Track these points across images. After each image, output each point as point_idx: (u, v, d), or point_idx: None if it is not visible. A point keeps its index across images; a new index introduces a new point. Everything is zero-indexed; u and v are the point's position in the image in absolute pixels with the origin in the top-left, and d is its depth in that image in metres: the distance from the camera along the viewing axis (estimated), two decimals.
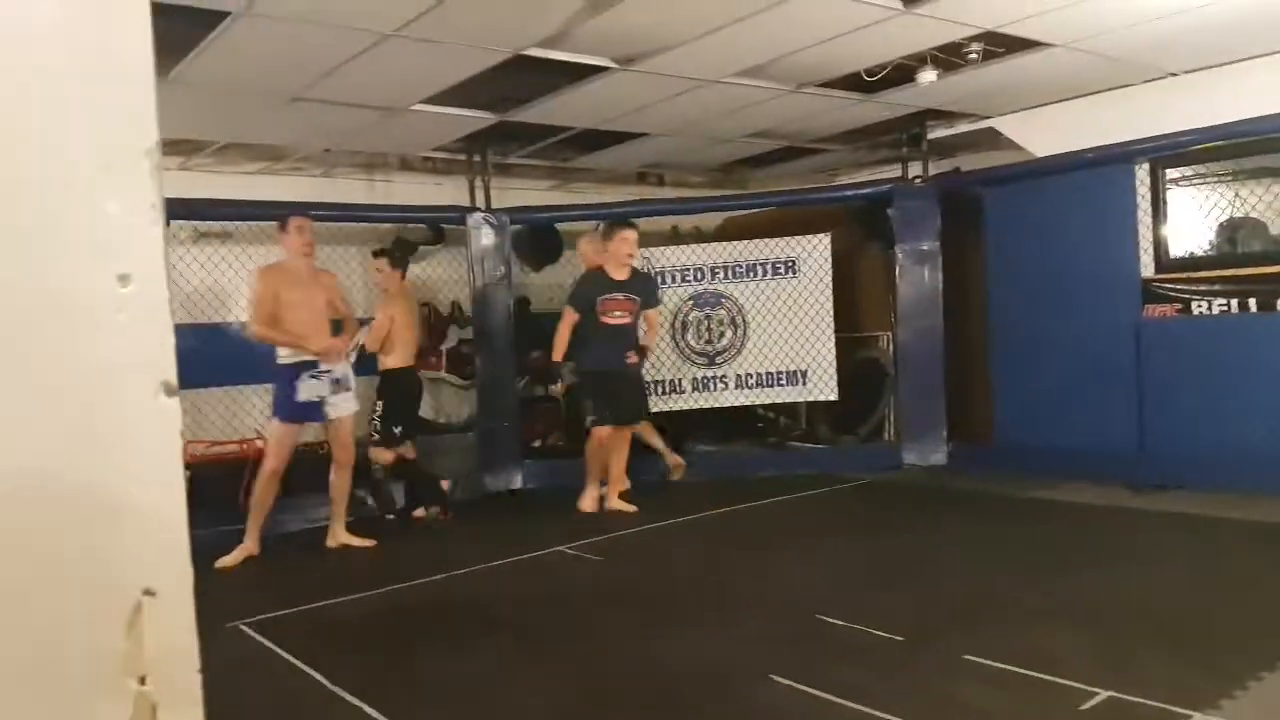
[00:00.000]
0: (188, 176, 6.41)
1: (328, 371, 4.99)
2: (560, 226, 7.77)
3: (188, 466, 5.17)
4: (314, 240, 5.22)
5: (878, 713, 2.67)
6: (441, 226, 7.38)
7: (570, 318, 5.76)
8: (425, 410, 7.63)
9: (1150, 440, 5.88)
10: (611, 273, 5.77)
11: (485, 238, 6.95)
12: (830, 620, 3.52)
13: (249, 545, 5.05)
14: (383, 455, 5.96)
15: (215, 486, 5.84)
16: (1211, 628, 3.27)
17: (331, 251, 7.11)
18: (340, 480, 5.25)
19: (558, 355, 5.79)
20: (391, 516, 6.08)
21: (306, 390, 4.94)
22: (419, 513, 6.07)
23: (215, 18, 4.07)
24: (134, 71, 0.90)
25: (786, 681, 2.93)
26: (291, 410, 4.97)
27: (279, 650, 3.55)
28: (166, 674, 0.92)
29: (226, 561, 4.92)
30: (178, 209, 6.08)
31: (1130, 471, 5.84)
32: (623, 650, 3.42)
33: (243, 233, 6.66)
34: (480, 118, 6.07)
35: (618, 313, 5.77)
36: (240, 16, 4.04)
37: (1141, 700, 2.64)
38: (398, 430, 5.94)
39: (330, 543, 5.31)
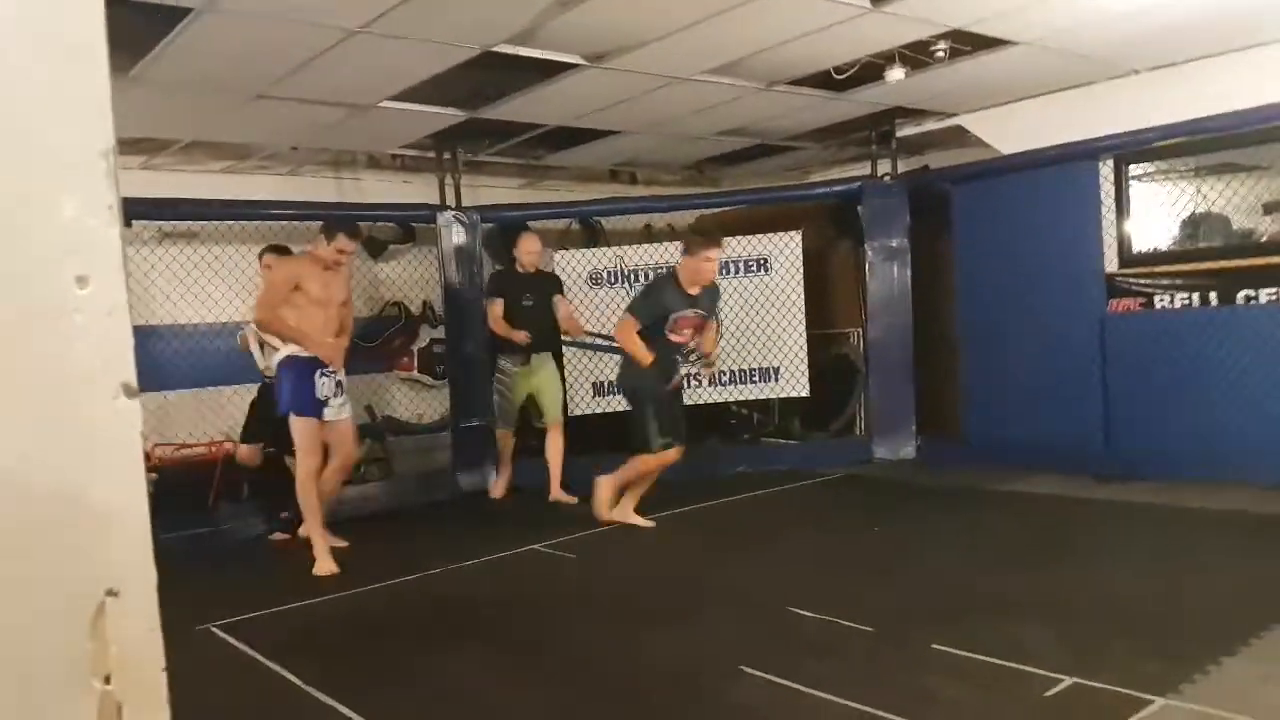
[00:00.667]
0: (151, 175, 6.33)
1: (334, 372, 4.85)
2: (532, 225, 7.77)
3: (155, 469, 5.14)
4: (349, 257, 5.05)
5: (847, 702, 2.71)
6: (411, 225, 7.33)
7: (636, 328, 5.12)
8: (401, 411, 7.61)
9: (1115, 432, 5.98)
10: (687, 287, 5.14)
11: (456, 236, 6.92)
12: (802, 613, 3.56)
13: (320, 549, 4.76)
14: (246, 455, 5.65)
15: (184, 489, 5.79)
16: (1174, 615, 3.34)
17: (299, 251, 7.06)
18: (331, 481, 5.00)
19: (647, 360, 5.08)
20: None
21: (320, 387, 4.78)
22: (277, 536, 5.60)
23: (178, 14, 4.01)
24: (90, 71, 0.89)
25: (759, 674, 2.96)
26: (312, 405, 4.75)
27: (250, 651, 3.52)
28: (131, 674, 0.92)
29: (321, 571, 4.67)
30: (141, 209, 6.02)
31: (1096, 463, 5.94)
32: (596, 647, 3.44)
33: (209, 232, 6.58)
34: (449, 115, 6.04)
35: (686, 330, 5.21)
36: (203, 13, 3.99)
37: (1104, 686, 2.70)
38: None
39: (304, 533, 5.06)
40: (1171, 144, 5.90)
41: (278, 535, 5.54)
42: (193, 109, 5.46)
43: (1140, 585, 3.75)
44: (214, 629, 3.81)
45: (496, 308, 6.14)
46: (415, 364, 7.67)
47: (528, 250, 6.21)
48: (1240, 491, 5.15)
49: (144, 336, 6.03)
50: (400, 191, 7.37)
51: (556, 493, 6.17)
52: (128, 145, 6.21)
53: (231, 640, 3.68)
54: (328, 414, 4.83)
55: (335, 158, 7.21)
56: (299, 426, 4.74)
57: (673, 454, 5.23)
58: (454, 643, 3.58)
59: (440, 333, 7.39)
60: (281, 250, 5.61)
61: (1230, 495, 5.11)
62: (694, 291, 5.16)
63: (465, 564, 4.75)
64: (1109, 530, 4.82)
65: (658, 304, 5.14)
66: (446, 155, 6.99)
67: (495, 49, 4.72)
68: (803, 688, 2.84)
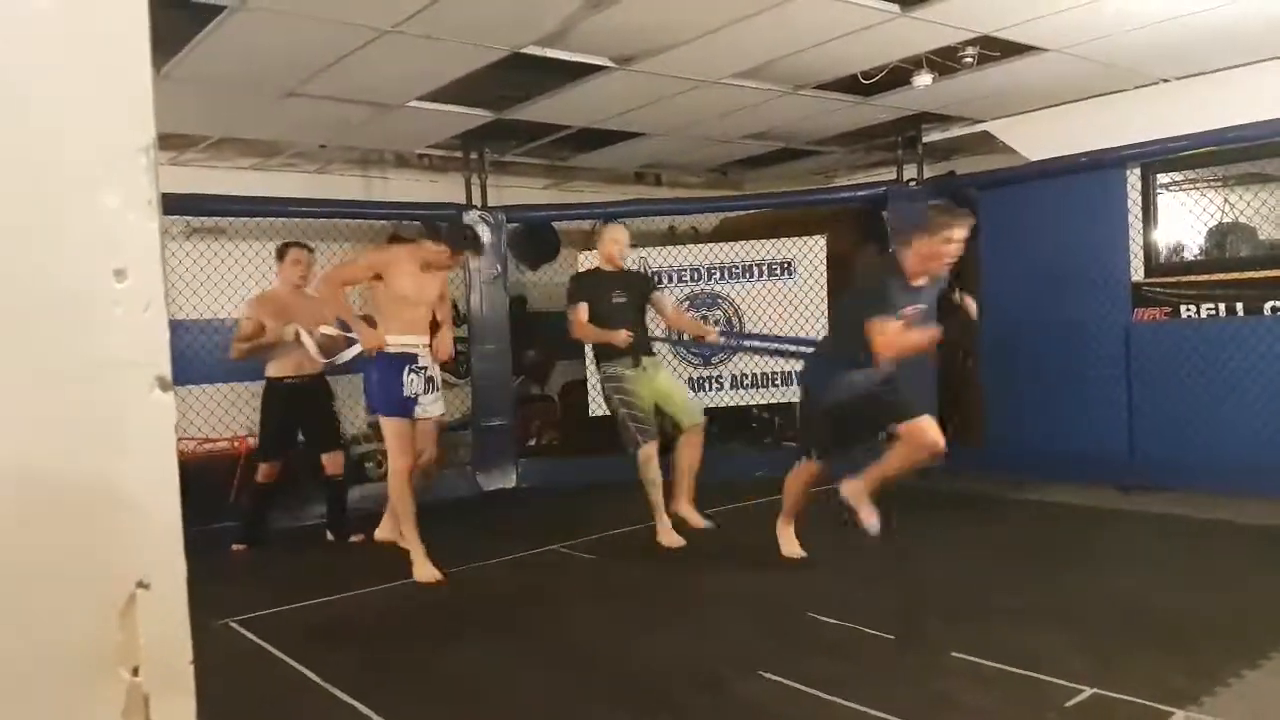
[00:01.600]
0: (180, 171, 6.40)
1: (425, 368, 4.56)
2: (557, 225, 7.80)
3: (179, 464, 5.15)
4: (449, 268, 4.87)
5: (864, 708, 2.69)
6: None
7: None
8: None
9: (1139, 442, 5.91)
10: (912, 278, 4.16)
11: (481, 235, 6.95)
12: (821, 618, 3.54)
13: (418, 555, 4.46)
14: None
15: (207, 484, 5.85)
16: (1196, 627, 3.30)
17: (325, 248, 7.11)
18: (419, 480, 4.67)
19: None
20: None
21: (409, 385, 4.49)
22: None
23: (210, 12, 4.07)
24: (132, 66, 0.90)
25: (775, 677, 2.95)
26: (400, 404, 4.46)
27: (270, 648, 3.55)
28: (159, 665, 0.93)
29: (422, 577, 4.39)
30: (170, 204, 6.08)
31: (1120, 473, 5.87)
32: (614, 647, 3.44)
33: (236, 228, 6.65)
34: (477, 115, 6.08)
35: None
36: (236, 10, 4.04)
37: (1124, 697, 2.68)
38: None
39: (379, 535, 4.85)
40: (1199, 153, 5.83)
41: (235, 546, 5.36)
42: (222, 106, 5.53)
43: (1162, 596, 3.70)
44: (233, 624, 3.85)
45: (580, 313, 5.08)
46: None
47: (613, 241, 5.19)
48: (1265, 505, 5.07)
49: (173, 331, 6.12)
50: (427, 191, 7.41)
51: (685, 508, 5.08)
52: (157, 141, 6.28)
53: (251, 635, 3.71)
54: (417, 412, 4.52)
55: (363, 156, 7.27)
56: (387, 427, 4.48)
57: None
58: (474, 640, 3.60)
59: (464, 331, 7.42)
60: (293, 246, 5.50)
61: (1257, 508, 5.03)
62: (919, 283, 4.10)
63: (487, 562, 4.77)
64: (1132, 540, 4.76)
65: (886, 303, 3.99)
66: (473, 155, 7.03)
67: (524, 50, 4.75)
68: (819, 692, 2.83)
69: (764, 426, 8.07)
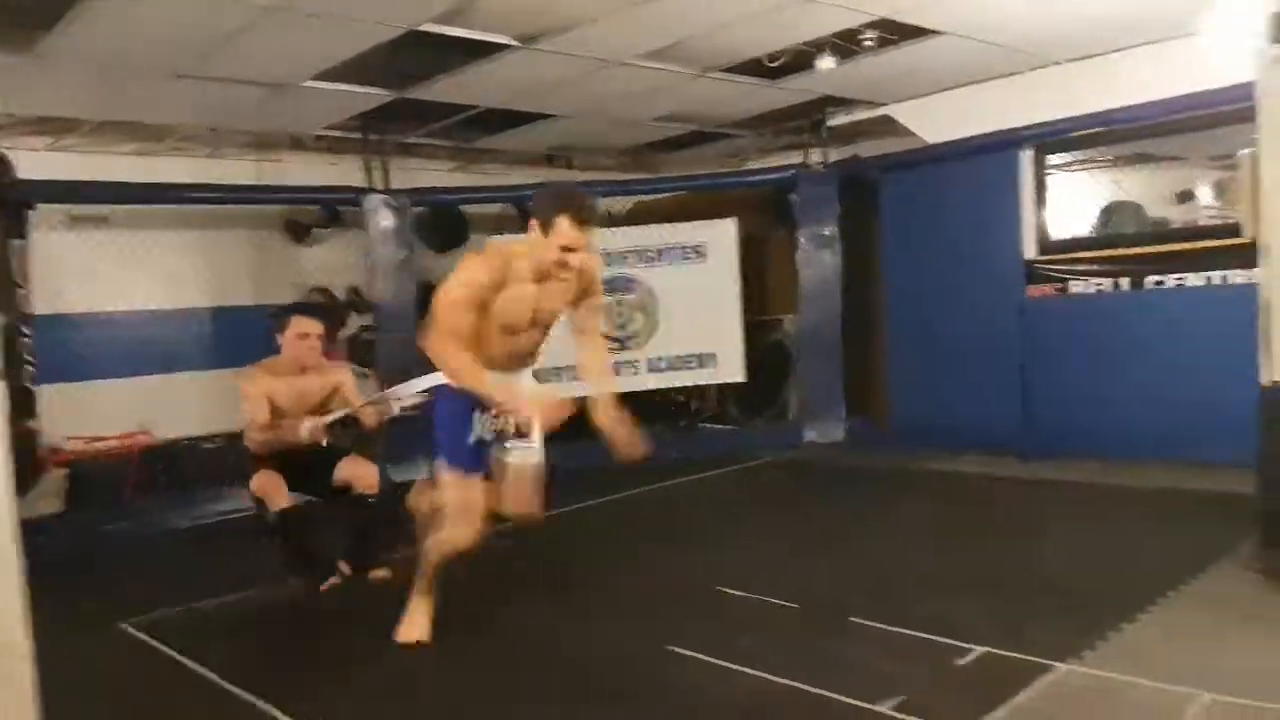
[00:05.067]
0: (59, 157, 6.04)
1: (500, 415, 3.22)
2: (466, 209, 7.66)
3: (66, 464, 4.78)
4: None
5: (768, 675, 2.76)
6: (336, 209, 7.14)
7: None
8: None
9: (1034, 412, 6.15)
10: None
11: (384, 220, 6.79)
12: (731, 593, 3.60)
13: (418, 610, 3.39)
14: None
15: (98, 483, 5.58)
16: (1087, 586, 3.46)
17: (219, 235, 6.85)
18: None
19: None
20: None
21: (478, 427, 3.21)
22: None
23: None
24: None
25: (687, 652, 2.99)
26: (465, 454, 3.18)
27: (168, 649, 3.41)
28: None
29: (406, 636, 3.34)
30: (50, 191, 5.76)
31: (1018, 442, 6.11)
32: (530, 630, 3.42)
33: (122, 217, 6.33)
34: (376, 95, 5.91)
35: None
36: None
37: (1012, 654, 2.81)
38: None
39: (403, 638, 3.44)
40: (1089, 134, 6.09)
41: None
42: (104, 87, 5.23)
43: (1058, 558, 3.88)
44: (128, 627, 3.68)
45: None
46: (344, 352, 7.50)
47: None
48: (1152, 468, 5.35)
49: (53, 325, 5.80)
50: (326, 174, 7.18)
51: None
52: (34, 125, 5.93)
53: (148, 639, 3.56)
54: (505, 458, 3.27)
55: (257, 139, 6.99)
56: (446, 481, 3.23)
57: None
58: (380, 632, 3.52)
59: (370, 320, 7.24)
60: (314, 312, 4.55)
61: (1145, 472, 5.30)
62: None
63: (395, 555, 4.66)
64: (1031, 507, 4.98)
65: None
66: (373, 137, 6.84)
67: (421, 28, 4.63)
68: (728, 664, 2.88)
69: (680, 409, 8.13)
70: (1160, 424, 5.54)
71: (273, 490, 4.00)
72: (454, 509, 3.19)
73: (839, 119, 7.14)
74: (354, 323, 7.54)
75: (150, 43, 4.55)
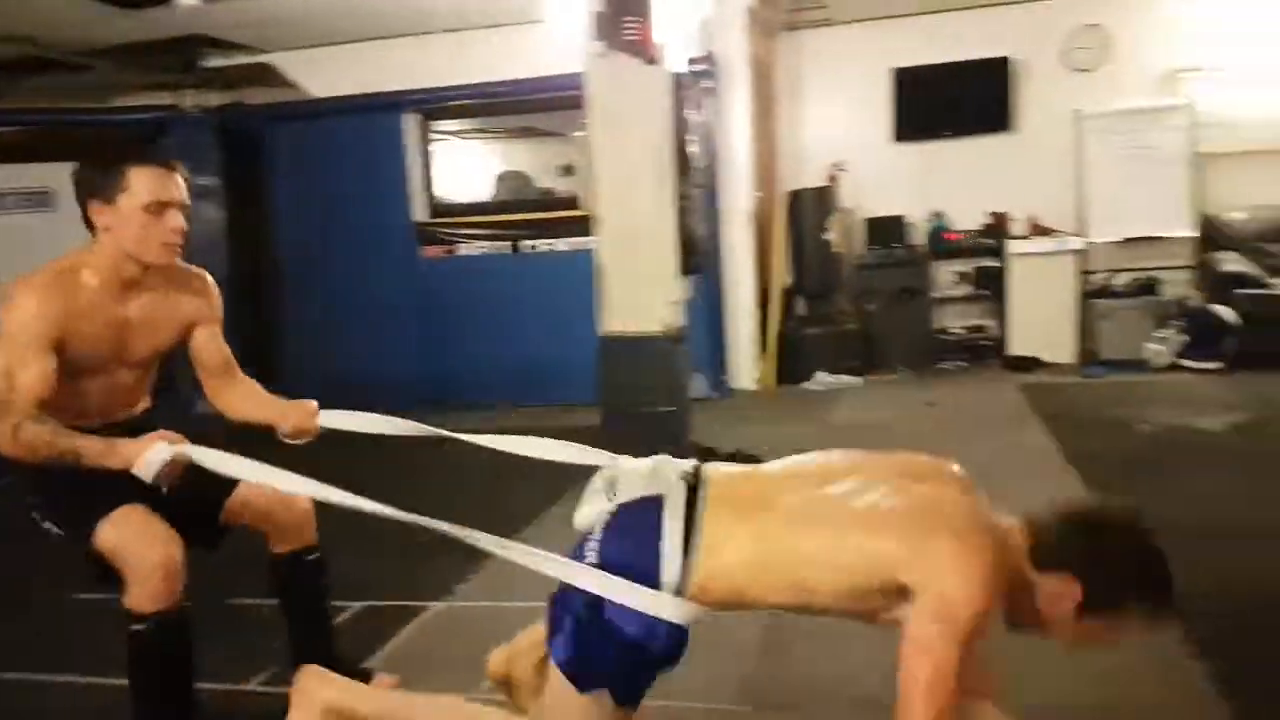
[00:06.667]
0: None
1: None
2: None
3: None
4: None
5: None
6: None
7: None
8: None
9: (433, 365, 6.48)
10: None
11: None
12: None
13: None
14: None
15: None
16: (472, 521, 3.68)
17: None
18: None
19: None
20: None
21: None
22: None
23: None
24: None
25: None
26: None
27: None
28: None
29: None
30: None
31: (418, 393, 6.37)
32: None
33: None
34: None
35: None
36: None
37: (389, 603, 2.97)
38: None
39: None
40: (479, 104, 6.53)
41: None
42: None
43: (437, 506, 4.04)
44: None
45: None
46: None
47: None
48: (531, 410, 5.96)
49: None
50: None
51: None
52: None
53: None
54: None
55: None
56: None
57: None
58: None
59: None
60: None
61: (525, 414, 5.88)
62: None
63: None
64: (429, 459, 5.16)
65: None
66: None
67: None
68: None
69: None
70: (542, 371, 6.22)
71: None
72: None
73: (216, 61, 6.58)
74: None
75: None
